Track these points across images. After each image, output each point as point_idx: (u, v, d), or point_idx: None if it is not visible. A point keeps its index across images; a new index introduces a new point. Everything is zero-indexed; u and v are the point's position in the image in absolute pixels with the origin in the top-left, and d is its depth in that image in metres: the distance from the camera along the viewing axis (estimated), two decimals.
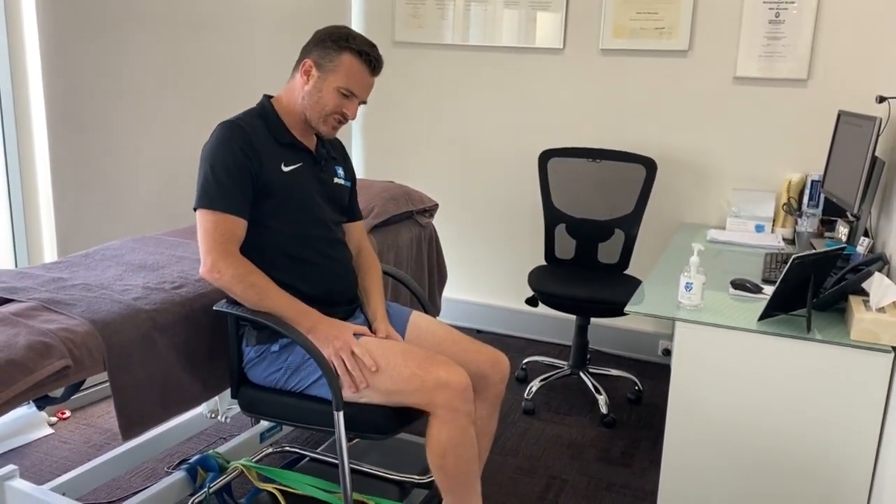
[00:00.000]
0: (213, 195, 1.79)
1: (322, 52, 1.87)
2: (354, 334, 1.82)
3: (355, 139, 4.10)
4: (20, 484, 2.06)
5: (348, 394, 1.75)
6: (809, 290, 2.07)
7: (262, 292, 1.78)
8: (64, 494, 2.06)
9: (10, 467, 2.10)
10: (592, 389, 3.09)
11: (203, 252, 1.79)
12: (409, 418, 1.79)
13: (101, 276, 2.02)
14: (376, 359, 1.76)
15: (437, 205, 3.15)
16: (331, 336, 1.76)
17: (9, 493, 2.05)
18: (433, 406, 1.73)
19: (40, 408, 2.03)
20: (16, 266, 2.68)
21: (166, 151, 3.08)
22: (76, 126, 2.73)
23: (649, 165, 3.18)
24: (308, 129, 1.96)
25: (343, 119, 1.92)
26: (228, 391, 2.23)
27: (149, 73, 2.97)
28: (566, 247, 3.33)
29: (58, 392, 1.89)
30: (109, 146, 2.86)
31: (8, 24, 2.52)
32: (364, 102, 1.95)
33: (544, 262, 3.36)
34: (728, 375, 2.14)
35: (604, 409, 2.98)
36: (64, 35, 2.64)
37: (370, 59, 1.88)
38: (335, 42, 1.86)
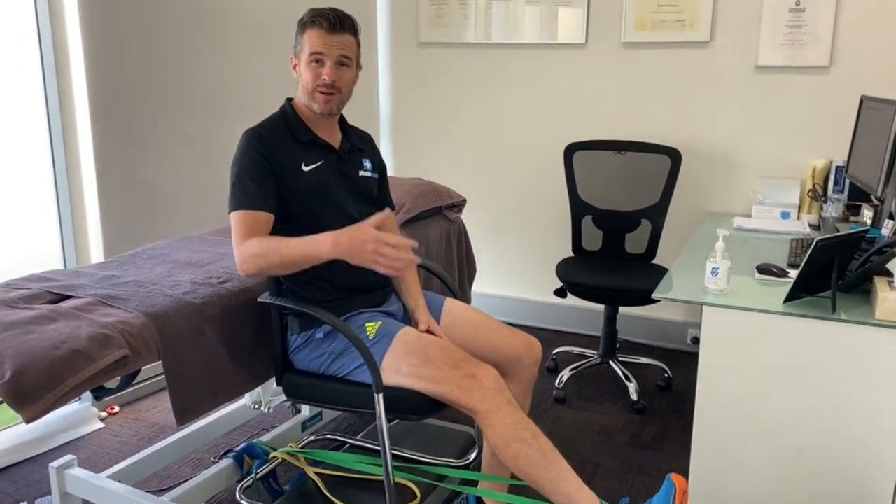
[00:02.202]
0: (238, 197, 1.90)
1: (295, 42, 1.99)
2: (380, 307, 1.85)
3: (384, 138, 4.20)
4: (78, 472, 2.18)
5: (389, 379, 1.83)
6: (834, 272, 2.11)
7: (279, 251, 1.82)
8: (119, 482, 2.17)
9: (69, 457, 2.22)
10: (622, 377, 3.15)
11: (234, 250, 1.89)
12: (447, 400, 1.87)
13: (151, 273, 2.13)
14: (421, 349, 1.83)
15: (464, 200, 3.23)
16: (359, 242, 1.75)
17: (68, 480, 2.17)
18: (472, 405, 1.77)
19: (98, 398, 2.14)
20: (65, 266, 2.81)
21: (204, 155, 3.19)
22: (120, 134, 2.85)
23: (674, 156, 3.23)
24: (326, 122, 2.03)
25: (326, 87, 1.94)
26: (271, 382, 2.34)
27: (188, 80, 3.09)
28: (593, 238, 3.39)
29: (114, 383, 2.01)
30: (151, 152, 2.98)
31: (54, 34, 2.64)
32: (351, 62, 1.97)
33: (572, 254, 3.43)
34: (755, 357, 2.19)
35: (634, 396, 3.04)
36: (108, 46, 2.77)
37: (321, 20, 1.92)
38: (299, 28, 1.98)
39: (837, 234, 2.09)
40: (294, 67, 2.01)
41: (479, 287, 3.94)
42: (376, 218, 1.82)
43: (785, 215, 3.17)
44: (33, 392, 1.56)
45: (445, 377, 1.78)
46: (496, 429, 1.75)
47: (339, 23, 1.94)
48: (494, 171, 3.97)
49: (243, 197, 1.89)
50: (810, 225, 3.10)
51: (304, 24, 1.96)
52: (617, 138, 3.48)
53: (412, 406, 1.84)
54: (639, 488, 2.47)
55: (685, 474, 2.47)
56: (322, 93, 1.95)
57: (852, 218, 2.95)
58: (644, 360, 3.39)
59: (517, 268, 4.00)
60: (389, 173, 3.48)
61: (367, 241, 1.73)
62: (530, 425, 1.78)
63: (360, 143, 2.17)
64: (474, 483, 2.13)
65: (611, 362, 3.24)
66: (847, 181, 3.08)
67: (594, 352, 3.33)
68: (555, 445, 2.74)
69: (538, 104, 3.80)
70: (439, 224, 3.04)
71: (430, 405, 1.84)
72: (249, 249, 1.84)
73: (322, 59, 1.93)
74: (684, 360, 3.50)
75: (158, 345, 1.81)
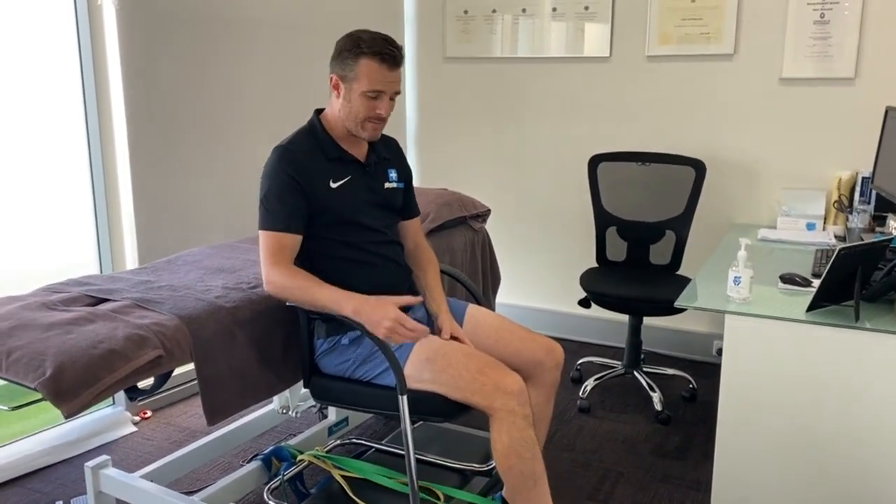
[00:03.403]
0: (265, 217, 1.97)
1: (342, 64, 1.98)
2: (402, 308, 1.92)
3: (410, 150, 4.27)
4: (112, 472, 2.24)
5: (411, 384, 1.87)
6: (857, 280, 2.12)
7: (307, 291, 1.92)
8: (151, 482, 2.23)
9: (104, 457, 2.29)
10: (647, 387, 3.16)
11: (261, 268, 1.97)
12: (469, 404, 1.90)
13: (184, 279, 2.20)
14: (443, 356, 1.88)
15: (489, 210, 3.27)
16: (377, 318, 1.85)
17: (103, 479, 2.24)
18: (492, 409, 1.82)
19: (132, 399, 2.20)
20: (101, 272, 2.90)
21: (235, 166, 3.28)
22: (154, 146, 2.94)
23: (698, 167, 3.25)
24: (355, 138, 2.07)
25: (378, 119, 2.00)
26: (299, 386, 2.39)
27: (222, 91, 3.18)
28: (617, 249, 3.41)
29: (147, 385, 2.07)
30: (184, 164, 3.07)
31: (94, 47, 2.75)
32: (398, 93, 2.02)
33: (596, 265, 3.45)
34: (778, 366, 2.19)
35: (658, 407, 3.04)
36: (144, 57, 2.87)
37: (384, 56, 1.94)
38: (350, 51, 1.95)
39: (861, 242, 2.10)
40: (335, 86, 2.01)
41: (503, 297, 3.97)
42: (406, 299, 1.94)
43: (810, 227, 3.16)
44: (72, 389, 1.62)
45: (467, 383, 1.83)
46: (503, 437, 1.81)
47: (400, 59, 1.98)
48: (519, 182, 4.01)
49: (270, 218, 1.97)
50: (836, 236, 3.09)
51: (360, 52, 1.93)
52: (641, 150, 3.51)
53: (436, 408, 1.88)
54: (662, 497, 2.47)
55: (707, 483, 2.47)
56: (373, 124, 2.01)
57: (878, 229, 2.94)
58: (669, 371, 3.39)
59: (541, 278, 4.03)
60: (416, 184, 3.53)
61: (386, 320, 1.84)
62: (535, 447, 1.84)
63: (386, 152, 2.20)
64: (500, 486, 2.16)
65: (635, 373, 3.25)
66: (873, 192, 3.07)
67: (618, 362, 3.34)
68: (578, 454, 2.76)
69: (563, 116, 3.84)
70: (464, 234, 3.09)
71: (453, 408, 1.87)
72: (277, 278, 1.93)
73: (380, 95, 1.97)
74: (709, 372, 3.49)
75: (191, 346, 1.87)
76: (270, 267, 1.94)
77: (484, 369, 1.85)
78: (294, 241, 1.98)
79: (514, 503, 1.88)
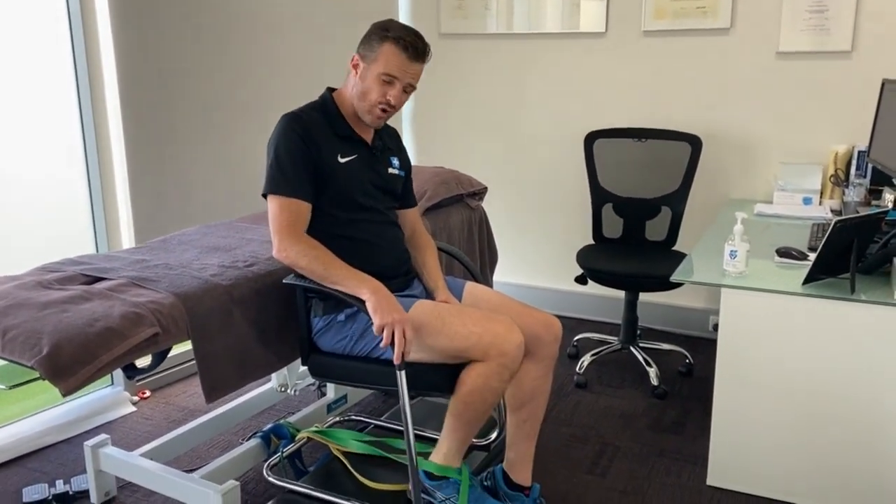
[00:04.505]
0: (278, 181, 1.95)
1: (367, 44, 1.99)
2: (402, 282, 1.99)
3: (406, 127, 4.25)
4: (112, 450, 2.26)
5: (409, 355, 1.87)
6: (853, 253, 2.12)
7: (325, 264, 1.90)
8: (151, 460, 2.24)
9: (103, 436, 2.30)
10: (643, 363, 3.17)
11: (272, 233, 1.94)
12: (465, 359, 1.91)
13: (180, 258, 2.19)
14: (437, 317, 1.89)
15: (485, 188, 3.27)
16: (392, 309, 1.84)
17: (103, 458, 2.25)
18: (486, 357, 1.83)
19: (130, 377, 2.21)
20: (96, 252, 2.89)
21: (231, 144, 3.26)
22: (149, 125, 2.93)
23: (694, 143, 3.24)
24: (362, 121, 2.07)
25: (388, 107, 2.00)
26: (298, 364, 2.40)
27: (217, 68, 3.15)
28: (614, 226, 3.41)
29: (145, 362, 2.08)
30: (180, 143, 3.05)
31: (84, 21, 2.71)
32: (413, 89, 2.03)
33: (592, 242, 3.45)
34: (774, 339, 2.20)
35: (654, 381, 3.06)
36: (137, 33, 2.84)
37: (407, 44, 1.95)
38: (377, 34, 1.97)
39: (856, 215, 2.10)
40: (355, 66, 2.01)
41: (500, 275, 3.98)
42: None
43: (807, 201, 3.17)
44: (69, 367, 1.62)
45: (464, 337, 1.85)
46: (479, 379, 1.86)
47: (423, 53, 1.99)
48: (515, 160, 4.00)
49: (283, 182, 1.94)
50: (832, 210, 3.10)
51: (386, 37, 1.95)
52: (637, 126, 3.49)
53: (433, 382, 1.88)
54: (659, 470, 2.49)
55: (704, 457, 2.49)
56: (382, 110, 2.00)
57: (874, 202, 2.95)
58: (665, 347, 3.41)
59: (538, 256, 4.03)
60: (412, 162, 3.52)
61: (397, 322, 1.82)
62: (498, 401, 1.97)
63: (390, 142, 2.22)
64: (500, 459, 2.18)
65: (631, 348, 3.26)
66: (869, 166, 3.07)
67: (615, 338, 3.36)
68: (576, 429, 2.78)
69: (559, 93, 3.82)
70: (461, 212, 3.08)
71: (450, 381, 1.88)
72: (294, 248, 1.90)
73: (394, 81, 1.98)
74: (706, 347, 3.51)
75: (187, 324, 1.87)
76: (287, 235, 1.91)
77: (480, 322, 1.86)
78: (307, 210, 1.96)
79: (451, 422, 1.95)
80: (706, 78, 3.48)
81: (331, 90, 2.10)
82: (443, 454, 1.96)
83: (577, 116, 3.79)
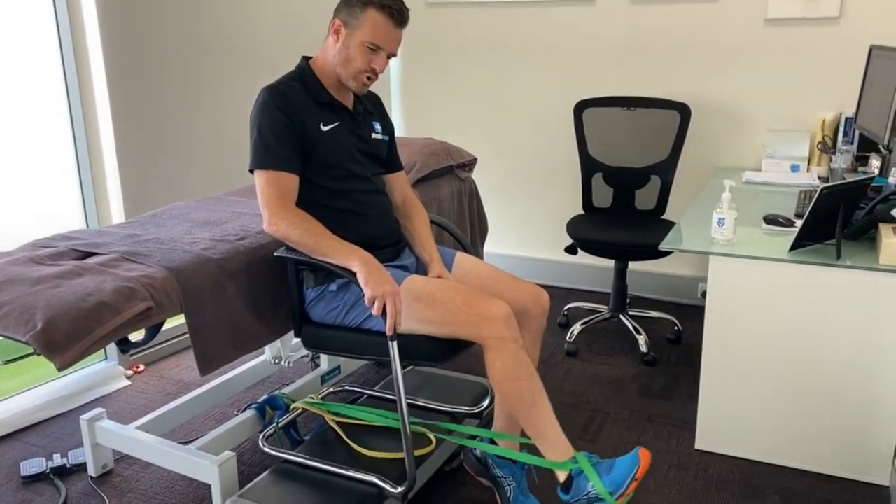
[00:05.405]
0: (263, 155, 1.95)
1: (349, 10, 1.97)
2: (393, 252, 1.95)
3: (394, 99, 4.23)
4: (108, 424, 2.28)
5: (401, 324, 1.89)
6: (839, 219, 2.15)
7: (315, 236, 1.91)
8: (147, 433, 2.27)
9: (98, 410, 2.32)
10: (633, 330, 3.21)
11: (262, 208, 1.95)
12: (458, 347, 1.93)
13: (171, 232, 2.20)
14: (429, 294, 1.90)
15: (475, 159, 3.27)
16: (382, 280, 1.86)
17: (99, 431, 2.27)
18: (482, 338, 1.85)
19: (124, 352, 2.22)
20: (87, 227, 2.88)
21: (220, 117, 3.25)
22: (136, 99, 2.91)
23: (683, 111, 3.25)
24: (344, 86, 2.07)
25: (372, 74, 2.00)
26: (291, 336, 2.41)
27: (203, 42, 3.13)
28: (603, 195, 3.42)
29: (139, 336, 2.09)
30: (168, 116, 3.03)
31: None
32: (394, 55, 2.03)
33: (582, 212, 3.46)
34: (761, 305, 2.23)
35: (644, 349, 3.10)
36: (121, 9, 2.81)
37: (393, 11, 1.95)
38: (360, 1, 1.96)
39: (842, 182, 2.12)
40: (336, 32, 2.00)
41: (490, 246, 4.00)
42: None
43: (794, 168, 3.19)
44: (63, 342, 1.63)
45: (454, 316, 1.85)
46: (497, 364, 1.84)
47: (404, 19, 1.99)
48: (505, 130, 3.99)
49: (268, 156, 1.94)
50: (820, 177, 3.12)
51: (369, 3, 1.94)
52: (626, 95, 3.49)
53: (425, 352, 1.90)
54: (648, 435, 2.54)
55: (693, 422, 2.54)
56: (367, 77, 2.00)
57: (861, 168, 2.97)
58: (654, 314, 3.44)
59: (528, 226, 4.04)
60: (401, 133, 3.50)
61: (388, 294, 1.83)
62: (529, 367, 1.86)
63: (371, 107, 2.22)
64: (488, 428, 2.21)
65: (621, 316, 3.30)
66: (856, 132, 3.09)
67: (605, 307, 3.39)
68: (566, 396, 2.81)
69: (548, 62, 3.81)
70: (451, 183, 3.09)
71: (442, 350, 1.90)
72: (284, 220, 1.91)
73: (379, 50, 1.97)
74: (694, 314, 3.55)
75: (180, 297, 1.88)
76: (277, 209, 1.92)
77: (469, 300, 1.87)
78: (295, 182, 1.97)
79: (522, 426, 1.89)
80: (695, 45, 3.48)
81: (306, 59, 2.09)
82: (550, 450, 1.88)
83: (566, 85, 3.78)
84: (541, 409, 1.87)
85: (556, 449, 1.87)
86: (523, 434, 2.02)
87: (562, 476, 1.86)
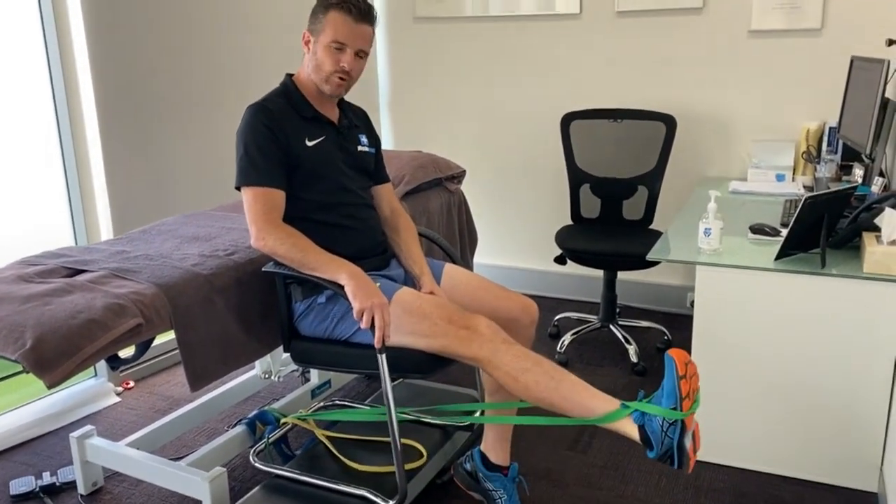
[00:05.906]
0: (249, 172, 1.96)
1: (313, 18, 2.02)
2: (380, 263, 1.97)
3: (383, 112, 4.25)
4: (98, 441, 2.27)
5: (389, 339, 1.89)
6: (823, 228, 2.17)
7: (303, 251, 1.92)
8: (137, 449, 2.26)
9: (88, 427, 2.31)
10: (623, 340, 3.22)
11: (249, 224, 1.96)
12: (448, 359, 1.94)
13: (160, 248, 2.20)
14: (418, 309, 1.91)
15: (464, 171, 3.29)
16: (370, 293, 1.87)
17: (89, 448, 2.26)
18: (472, 354, 1.82)
19: (114, 368, 2.22)
20: (76, 244, 2.88)
21: (207, 133, 3.26)
22: (124, 115, 2.91)
23: (669, 122, 3.28)
24: (327, 99, 2.09)
25: (344, 74, 2.01)
26: (281, 351, 2.41)
27: (191, 58, 3.14)
28: (591, 206, 3.45)
29: (129, 353, 2.09)
30: (156, 132, 3.04)
31: (56, 10, 2.69)
32: (366, 54, 2.04)
33: (571, 222, 3.49)
34: (748, 314, 2.25)
35: (634, 359, 3.11)
36: (110, 22, 2.82)
37: (349, 6, 1.97)
38: (320, 5, 2.01)
39: (826, 191, 2.15)
40: (306, 43, 2.04)
41: (479, 258, 4.01)
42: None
43: (780, 178, 3.22)
44: (53, 359, 1.63)
45: (443, 332, 1.85)
46: (501, 369, 1.80)
47: (366, 13, 2.00)
48: (493, 143, 4.02)
49: (254, 173, 1.96)
50: (805, 186, 3.15)
51: (329, 4, 1.98)
52: (613, 107, 3.52)
53: (414, 365, 1.91)
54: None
55: None
56: (339, 78, 2.02)
57: (845, 177, 3.01)
58: (644, 324, 3.46)
59: (517, 237, 4.06)
60: (389, 147, 3.52)
61: (376, 306, 1.84)
62: (531, 355, 1.82)
63: (357, 120, 2.24)
64: (479, 440, 2.22)
65: (611, 326, 3.31)
66: (840, 142, 3.13)
67: (594, 317, 3.40)
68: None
69: (535, 75, 3.84)
70: (440, 195, 3.10)
71: (431, 363, 1.91)
72: (274, 234, 1.92)
73: (344, 48, 1.99)
74: (683, 323, 3.56)
75: (170, 314, 1.88)
76: (264, 224, 1.93)
77: (453, 318, 1.87)
78: (281, 197, 1.98)
79: (561, 411, 1.80)
80: (680, 57, 3.51)
81: (290, 76, 2.12)
82: (601, 412, 1.77)
83: (553, 98, 3.81)
84: (567, 384, 1.78)
85: (605, 408, 1.76)
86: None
87: (635, 432, 1.73)
